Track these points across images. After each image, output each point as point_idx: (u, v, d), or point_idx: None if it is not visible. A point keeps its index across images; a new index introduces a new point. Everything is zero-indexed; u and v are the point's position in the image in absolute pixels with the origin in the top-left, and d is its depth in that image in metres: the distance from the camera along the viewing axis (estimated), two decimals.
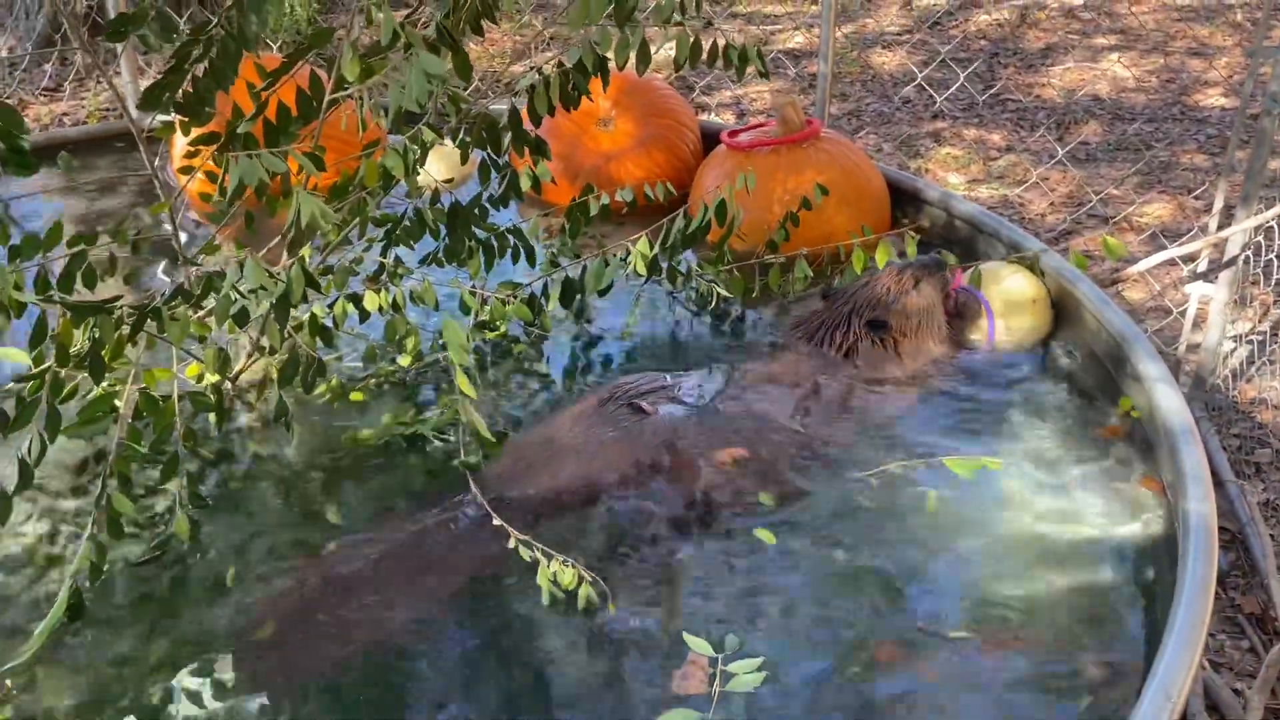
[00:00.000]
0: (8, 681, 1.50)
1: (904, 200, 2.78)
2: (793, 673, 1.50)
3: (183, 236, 1.93)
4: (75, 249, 1.59)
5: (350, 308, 2.02)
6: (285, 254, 1.94)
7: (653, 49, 1.88)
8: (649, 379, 2.09)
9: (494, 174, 2.15)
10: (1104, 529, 1.77)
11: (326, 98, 1.78)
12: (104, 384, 1.66)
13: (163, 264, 1.85)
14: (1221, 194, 2.67)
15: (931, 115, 4.61)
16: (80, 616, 1.58)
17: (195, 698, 1.48)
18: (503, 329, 2.25)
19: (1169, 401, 1.85)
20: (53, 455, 1.58)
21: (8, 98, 4.47)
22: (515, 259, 2.22)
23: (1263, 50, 2.46)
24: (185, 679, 1.51)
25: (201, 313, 1.82)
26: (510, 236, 2.20)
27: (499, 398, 2.15)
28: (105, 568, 1.63)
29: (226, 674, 1.52)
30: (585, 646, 1.56)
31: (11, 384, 1.69)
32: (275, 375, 1.89)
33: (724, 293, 2.38)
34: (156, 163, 1.92)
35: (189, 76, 1.63)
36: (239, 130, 1.71)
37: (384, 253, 2.08)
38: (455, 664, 1.56)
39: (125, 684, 1.51)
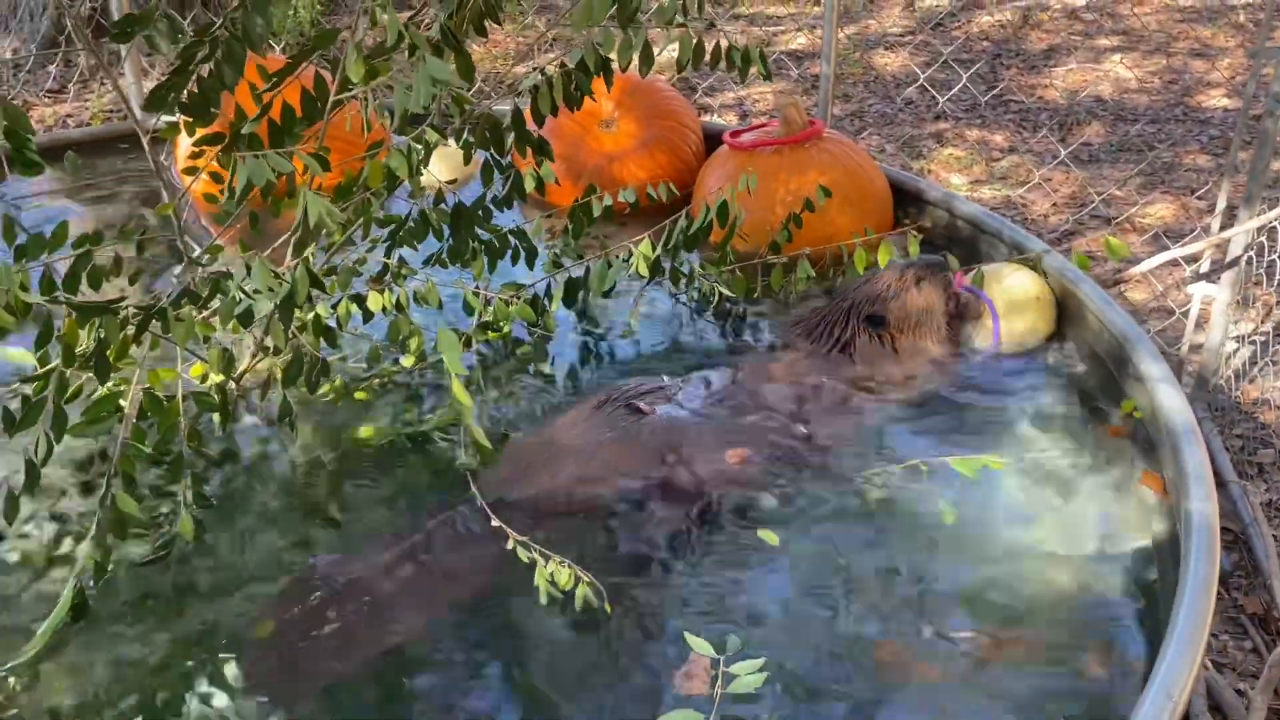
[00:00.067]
0: (8, 680, 1.51)
1: (906, 201, 2.78)
2: (794, 674, 1.50)
3: (187, 237, 1.94)
4: (80, 249, 1.60)
5: (354, 308, 2.02)
6: (290, 254, 1.95)
7: (655, 50, 1.89)
8: (647, 382, 2.10)
9: (497, 175, 2.16)
10: (1106, 529, 1.77)
11: (331, 99, 1.78)
12: (109, 384, 1.66)
13: (180, 266, 1.86)
14: (1224, 195, 2.67)
15: (934, 116, 4.61)
16: (84, 616, 1.58)
17: (199, 698, 1.49)
18: (506, 330, 2.25)
19: (1171, 401, 1.85)
20: (57, 454, 1.59)
21: (12, 99, 4.48)
22: (517, 260, 2.23)
23: (1265, 51, 2.47)
24: (189, 679, 1.52)
25: (206, 313, 1.83)
26: (513, 237, 2.21)
27: (502, 398, 2.16)
28: (109, 567, 1.63)
29: (230, 674, 1.52)
30: (587, 647, 1.56)
31: (17, 384, 1.70)
32: (279, 375, 1.89)
33: (727, 293, 2.38)
34: (161, 163, 1.93)
35: (194, 77, 1.64)
36: (244, 131, 1.72)
37: (388, 253, 2.09)
38: (456, 664, 1.56)
39: (129, 684, 1.52)
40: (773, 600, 1.64)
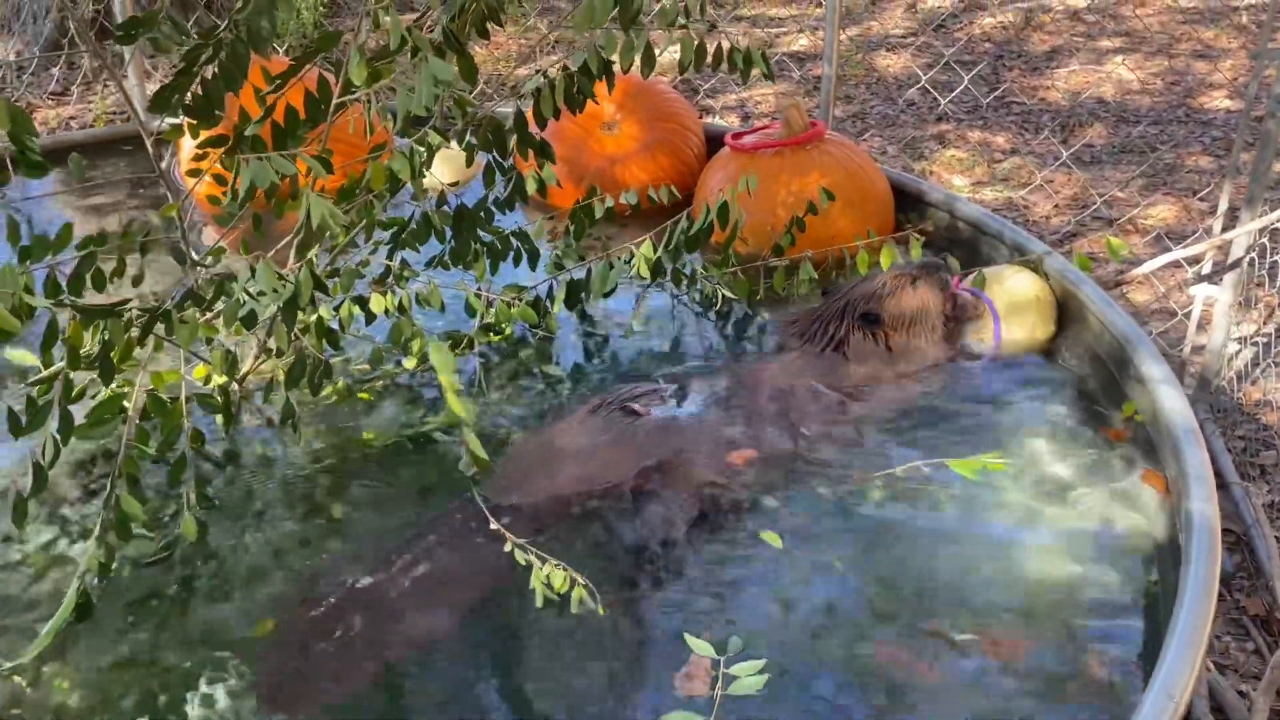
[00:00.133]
0: (11, 680, 1.51)
1: (908, 203, 2.78)
2: (795, 675, 1.51)
3: (192, 238, 1.94)
4: (84, 251, 1.60)
5: (356, 310, 2.03)
6: (293, 256, 1.95)
7: (657, 52, 1.89)
8: (641, 385, 2.11)
9: (499, 177, 2.16)
10: (1106, 530, 1.77)
11: (334, 101, 1.79)
12: (113, 386, 1.67)
13: (184, 268, 1.87)
14: (1226, 196, 2.67)
15: (936, 118, 4.62)
16: (88, 616, 1.59)
17: (202, 698, 1.49)
18: (508, 331, 2.26)
19: (1172, 402, 1.85)
20: (62, 456, 1.59)
21: (15, 101, 4.49)
22: (520, 262, 2.23)
23: (1267, 52, 2.47)
24: (192, 679, 1.52)
25: (209, 315, 1.83)
26: (515, 239, 2.21)
27: (504, 400, 2.16)
28: (113, 568, 1.64)
29: (233, 675, 1.53)
30: (588, 648, 1.56)
31: (23, 385, 1.71)
32: (282, 377, 1.90)
33: (729, 295, 2.39)
34: (164, 165, 1.94)
35: (198, 79, 1.64)
36: (247, 133, 1.72)
37: (390, 255, 2.10)
38: (457, 665, 1.57)
39: (132, 683, 1.52)
40: (774, 602, 1.64)
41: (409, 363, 2.15)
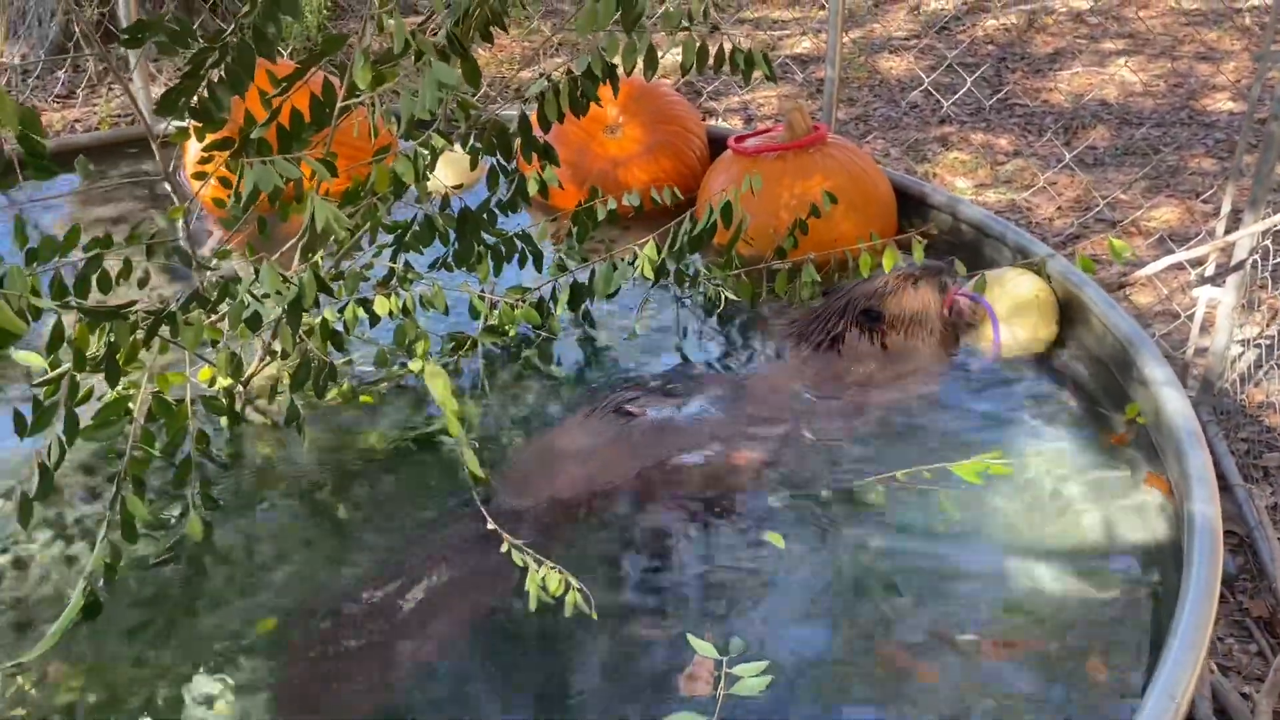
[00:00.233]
0: (16, 679, 1.52)
1: (910, 205, 2.79)
2: (798, 676, 1.51)
3: (199, 242, 1.96)
4: (91, 253, 1.61)
5: (361, 312, 2.04)
6: (297, 259, 1.96)
7: (660, 54, 1.90)
8: (638, 387, 2.12)
9: (502, 179, 2.17)
10: (1109, 532, 1.78)
11: (338, 104, 1.80)
12: (118, 388, 1.68)
13: (191, 269, 1.89)
14: (1229, 198, 2.67)
15: (939, 120, 4.62)
16: (96, 615, 1.59)
17: (206, 698, 1.50)
18: (512, 333, 2.27)
19: (1175, 404, 1.85)
20: (68, 457, 1.60)
21: (21, 104, 4.50)
22: (523, 263, 2.24)
23: (1270, 55, 2.47)
24: (197, 679, 1.53)
25: (214, 318, 1.84)
26: (519, 241, 2.22)
27: (507, 401, 2.17)
28: (119, 568, 1.65)
29: (238, 675, 1.53)
30: (590, 649, 1.57)
31: (31, 387, 1.72)
32: (287, 379, 1.91)
33: (732, 297, 2.39)
34: (170, 168, 1.95)
35: (204, 82, 1.65)
36: (252, 136, 1.73)
37: (394, 258, 2.10)
38: (458, 665, 1.57)
39: (137, 683, 1.53)
40: (776, 602, 1.65)
41: (414, 365, 2.16)
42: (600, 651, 1.57)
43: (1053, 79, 4.98)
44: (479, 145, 2.03)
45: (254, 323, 1.71)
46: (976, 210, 2.68)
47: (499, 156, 2.09)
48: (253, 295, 1.67)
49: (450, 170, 2.84)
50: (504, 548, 1.56)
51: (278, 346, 1.99)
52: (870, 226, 2.60)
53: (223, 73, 1.66)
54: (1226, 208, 2.69)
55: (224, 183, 1.86)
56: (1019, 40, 5.45)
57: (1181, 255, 2.53)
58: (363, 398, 2.13)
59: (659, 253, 2.24)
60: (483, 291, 2.20)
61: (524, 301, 2.20)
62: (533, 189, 2.19)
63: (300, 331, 1.83)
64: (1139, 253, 3.49)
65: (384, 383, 2.19)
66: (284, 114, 1.76)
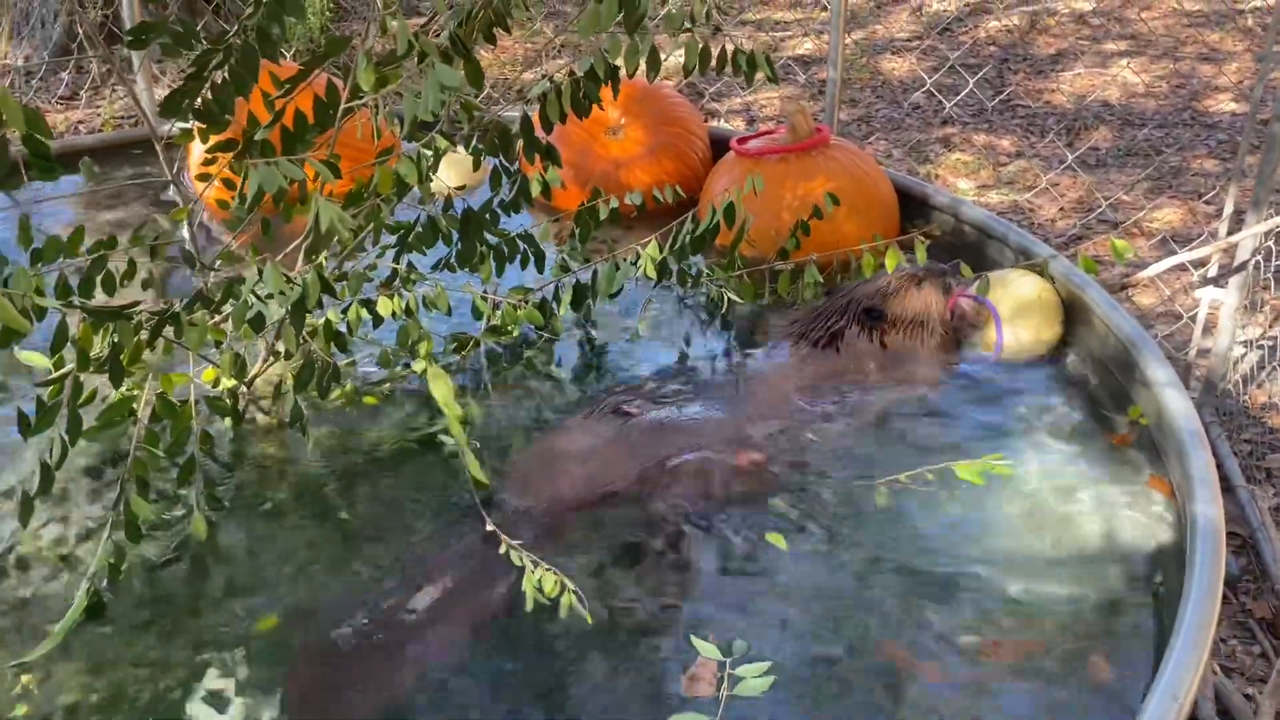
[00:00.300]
0: (20, 679, 1.52)
1: (913, 206, 2.79)
2: (800, 677, 1.51)
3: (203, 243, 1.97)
4: (95, 254, 1.62)
5: (364, 313, 2.04)
6: (301, 260, 1.96)
7: (662, 56, 1.90)
8: (633, 390, 2.12)
9: (505, 180, 2.18)
10: (1111, 533, 1.78)
11: (342, 106, 1.80)
12: (122, 388, 1.68)
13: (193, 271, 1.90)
14: (1232, 199, 2.67)
15: (941, 121, 4.62)
16: (99, 615, 1.60)
17: (210, 698, 1.50)
18: (515, 333, 2.27)
19: (1177, 405, 1.85)
20: (72, 458, 1.60)
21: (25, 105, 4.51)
22: (526, 264, 2.24)
23: (1273, 55, 2.47)
24: (200, 679, 1.53)
25: (218, 318, 1.85)
26: (521, 241, 2.22)
27: (509, 402, 2.17)
28: (123, 568, 1.65)
29: (242, 675, 1.54)
30: (592, 650, 1.57)
31: (34, 386, 1.72)
32: (290, 380, 1.91)
33: (734, 298, 2.40)
34: (174, 170, 1.95)
35: (208, 84, 1.66)
36: (256, 138, 1.74)
37: (397, 258, 2.11)
38: (460, 666, 1.58)
39: (140, 683, 1.53)
40: (779, 603, 1.65)
41: (417, 366, 2.16)
42: (603, 652, 1.57)
43: (1055, 80, 4.98)
44: (481, 146, 2.03)
45: (258, 323, 1.72)
46: (979, 211, 2.68)
47: (501, 158, 2.10)
48: (256, 296, 1.68)
49: (453, 171, 2.85)
50: (502, 549, 1.57)
51: (281, 347, 2.00)
52: (873, 228, 2.60)
53: (226, 74, 1.66)
54: (1229, 209, 2.69)
55: (228, 184, 1.86)
56: (1021, 41, 5.45)
57: (1184, 256, 2.53)
58: (366, 399, 2.14)
59: (661, 251, 2.25)
60: (485, 292, 2.21)
61: (526, 302, 2.20)
62: (535, 190, 2.19)
63: (304, 332, 1.83)
64: (1141, 254, 3.49)
65: (387, 383, 2.19)
66: (288, 115, 1.77)
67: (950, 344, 2.29)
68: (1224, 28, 5.43)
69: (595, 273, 2.26)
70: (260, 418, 2.10)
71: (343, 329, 2.01)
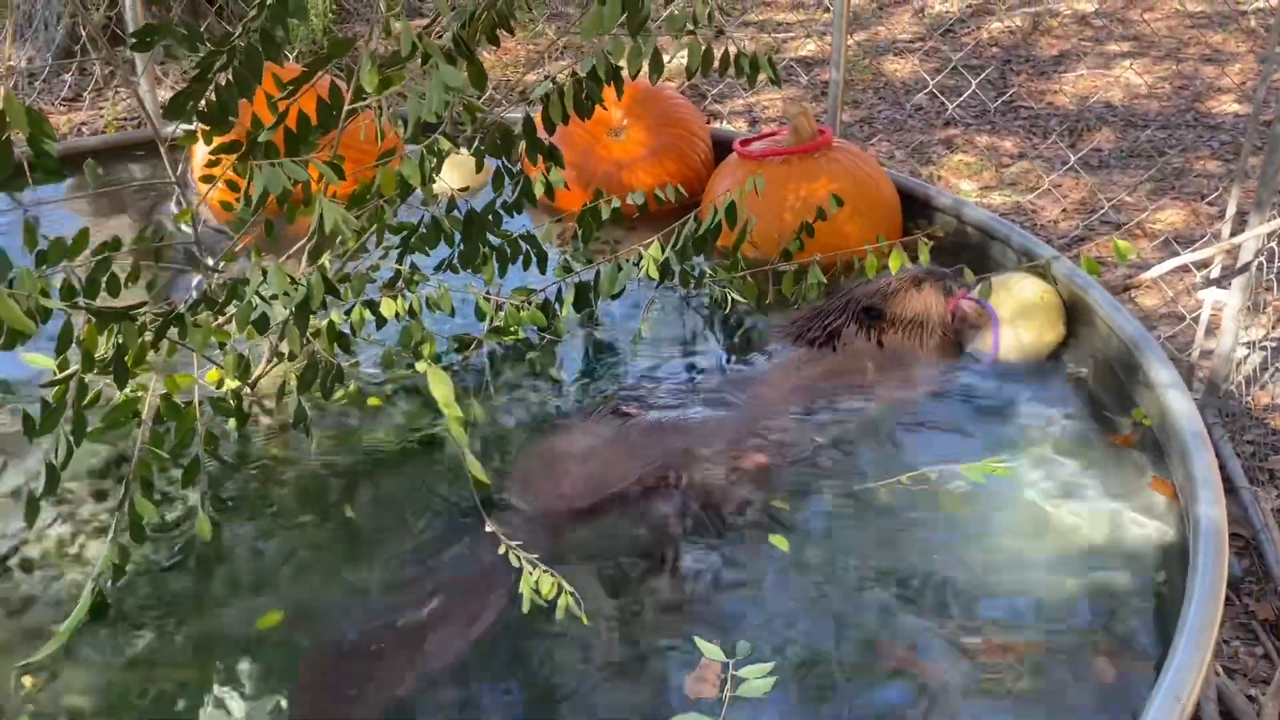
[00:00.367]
0: (26, 679, 1.53)
1: (915, 208, 2.79)
2: (803, 677, 1.51)
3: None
4: (100, 255, 1.62)
5: (367, 314, 2.04)
6: (305, 261, 1.97)
7: (665, 57, 1.90)
8: (633, 390, 2.13)
9: (508, 181, 2.18)
10: (1114, 534, 1.78)
11: (345, 107, 1.80)
12: (127, 389, 1.69)
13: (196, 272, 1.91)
14: (1234, 200, 2.67)
15: (944, 122, 4.62)
16: (104, 616, 1.60)
17: (214, 699, 1.50)
18: (519, 334, 2.27)
19: (1179, 406, 1.85)
20: (77, 459, 1.61)
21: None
22: (529, 265, 2.25)
23: (1276, 57, 2.47)
24: (204, 680, 1.53)
25: (222, 319, 1.85)
26: (524, 242, 2.23)
27: (512, 403, 2.17)
28: (127, 569, 1.65)
29: (247, 675, 1.54)
30: (595, 651, 1.57)
31: (39, 388, 1.72)
32: (294, 381, 1.91)
33: (737, 298, 2.40)
34: (178, 171, 1.96)
35: (212, 85, 1.66)
36: (260, 139, 1.74)
37: (400, 259, 2.11)
38: (464, 665, 1.58)
39: (145, 684, 1.53)
40: (782, 605, 1.65)
41: (420, 366, 2.17)
42: (606, 653, 1.57)
43: (1057, 81, 4.99)
44: (484, 148, 2.04)
45: (262, 325, 1.72)
46: (981, 212, 2.68)
47: (504, 159, 2.10)
48: (260, 297, 1.68)
49: (456, 173, 2.85)
50: (501, 549, 1.57)
51: (285, 348, 2.00)
52: (875, 230, 2.60)
53: (230, 76, 1.67)
54: (1232, 210, 2.69)
55: (231, 186, 1.87)
56: (1024, 43, 5.46)
57: (1187, 257, 2.53)
58: (369, 399, 2.14)
59: (664, 252, 2.25)
60: (488, 293, 2.21)
61: (529, 303, 2.20)
62: (538, 190, 2.20)
63: (307, 333, 1.84)
64: (1144, 255, 3.49)
65: (390, 384, 2.20)
66: (291, 117, 1.77)
67: (950, 345, 2.29)
68: (1227, 29, 5.42)
69: (598, 273, 2.26)
70: (264, 419, 2.10)
71: (346, 330, 2.01)
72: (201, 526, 1.68)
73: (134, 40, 1.59)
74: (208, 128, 1.72)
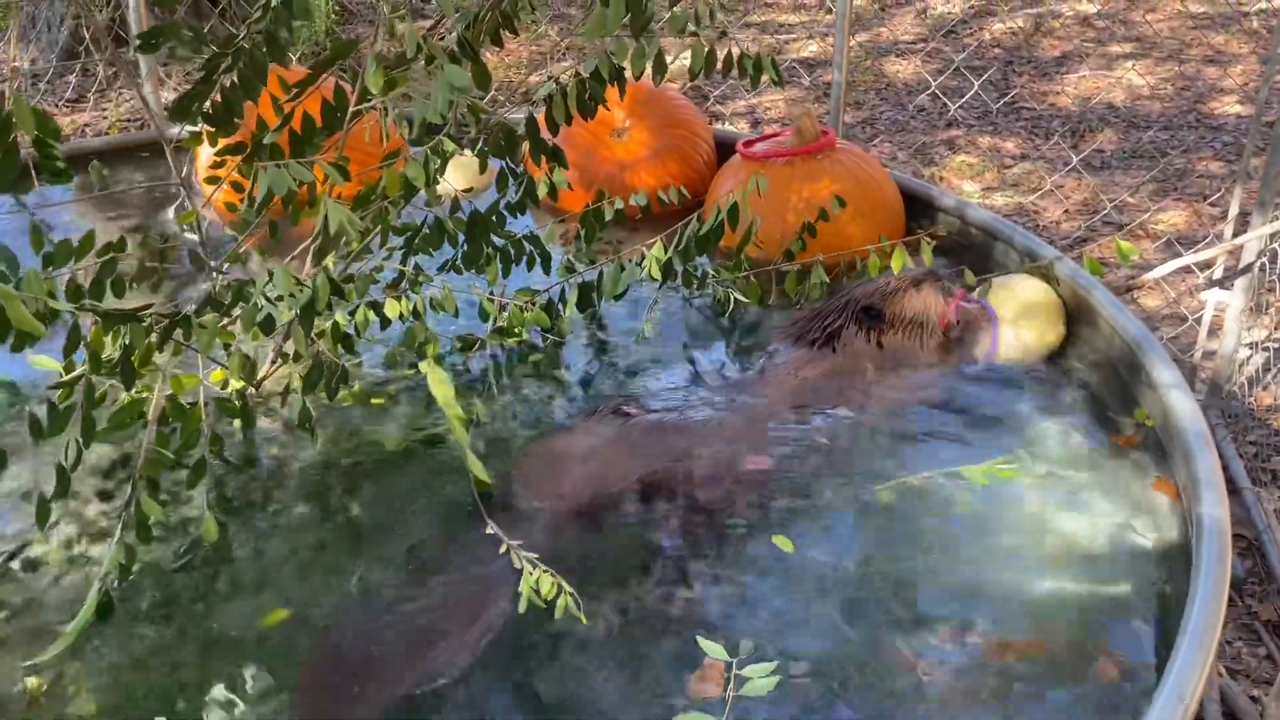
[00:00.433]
0: (31, 680, 1.53)
1: (918, 208, 2.79)
2: (807, 677, 1.52)
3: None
4: (106, 257, 1.63)
5: (371, 315, 2.05)
6: (310, 262, 1.97)
7: (668, 58, 1.91)
8: (636, 390, 2.13)
9: (511, 182, 2.19)
10: (1117, 534, 1.78)
11: (350, 109, 1.81)
12: (133, 390, 1.69)
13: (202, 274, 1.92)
14: (1237, 201, 2.67)
15: (946, 123, 4.63)
16: (110, 615, 1.61)
17: (219, 699, 1.51)
18: (523, 335, 2.28)
19: (1182, 407, 1.85)
20: (81, 459, 1.61)
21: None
22: (533, 266, 2.25)
23: (1278, 57, 2.47)
24: (211, 680, 1.54)
25: (227, 321, 1.86)
26: (527, 243, 2.23)
27: (516, 403, 2.18)
28: (134, 569, 1.66)
29: (251, 676, 1.54)
30: (598, 649, 1.58)
31: (46, 389, 1.73)
32: (299, 382, 1.92)
33: (740, 299, 2.40)
34: (183, 172, 1.96)
35: (217, 87, 1.67)
36: (265, 141, 1.75)
37: (404, 260, 2.12)
38: (467, 665, 1.58)
39: (151, 684, 1.54)
40: (786, 605, 1.65)
41: (424, 366, 2.17)
42: (609, 652, 1.57)
43: (1060, 82, 4.99)
44: (488, 149, 2.04)
45: (268, 326, 1.73)
46: (983, 213, 2.68)
47: (508, 160, 2.11)
48: (267, 299, 1.69)
49: (460, 174, 2.86)
50: (502, 549, 1.57)
51: (289, 349, 2.01)
52: (878, 230, 2.60)
53: (235, 78, 1.67)
54: (1234, 211, 2.69)
55: (236, 187, 1.87)
56: (1026, 44, 5.46)
57: (1189, 258, 2.53)
58: (373, 399, 2.15)
59: (666, 252, 2.25)
60: (491, 293, 2.22)
61: (533, 304, 2.21)
62: (542, 191, 2.20)
63: (312, 334, 1.84)
64: (1146, 256, 3.49)
65: (393, 385, 2.20)
66: (296, 119, 1.78)
67: (949, 347, 2.29)
68: (1229, 30, 5.42)
69: (601, 274, 2.27)
70: (269, 419, 2.11)
71: (350, 331, 2.02)
72: (208, 527, 1.69)
73: (140, 42, 1.59)
74: (213, 129, 1.72)
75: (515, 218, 2.23)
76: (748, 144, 2.80)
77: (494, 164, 2.13)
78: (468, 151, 2.04)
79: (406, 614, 1.67)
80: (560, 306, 2.30)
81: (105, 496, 1.90)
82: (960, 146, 4.41)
